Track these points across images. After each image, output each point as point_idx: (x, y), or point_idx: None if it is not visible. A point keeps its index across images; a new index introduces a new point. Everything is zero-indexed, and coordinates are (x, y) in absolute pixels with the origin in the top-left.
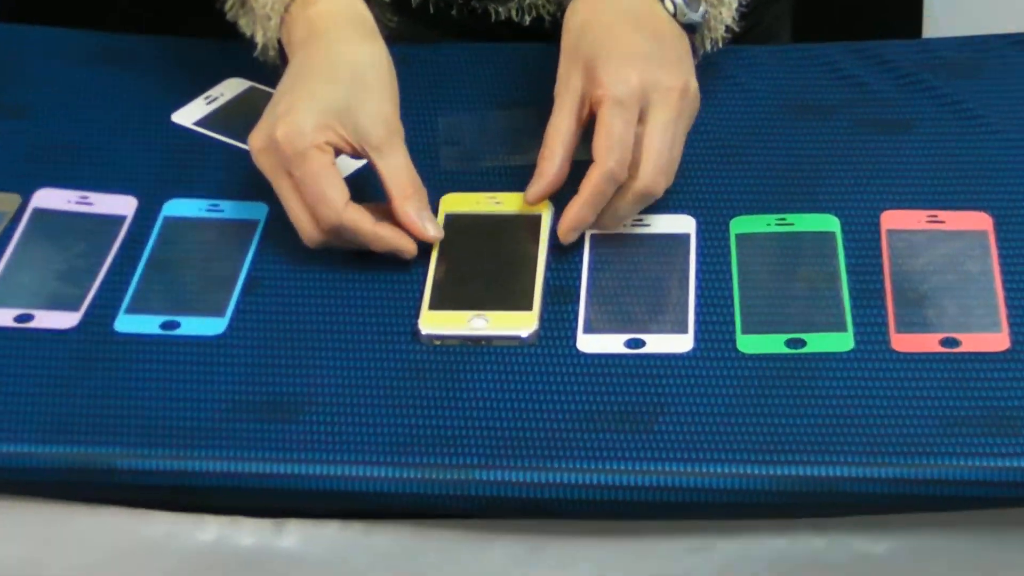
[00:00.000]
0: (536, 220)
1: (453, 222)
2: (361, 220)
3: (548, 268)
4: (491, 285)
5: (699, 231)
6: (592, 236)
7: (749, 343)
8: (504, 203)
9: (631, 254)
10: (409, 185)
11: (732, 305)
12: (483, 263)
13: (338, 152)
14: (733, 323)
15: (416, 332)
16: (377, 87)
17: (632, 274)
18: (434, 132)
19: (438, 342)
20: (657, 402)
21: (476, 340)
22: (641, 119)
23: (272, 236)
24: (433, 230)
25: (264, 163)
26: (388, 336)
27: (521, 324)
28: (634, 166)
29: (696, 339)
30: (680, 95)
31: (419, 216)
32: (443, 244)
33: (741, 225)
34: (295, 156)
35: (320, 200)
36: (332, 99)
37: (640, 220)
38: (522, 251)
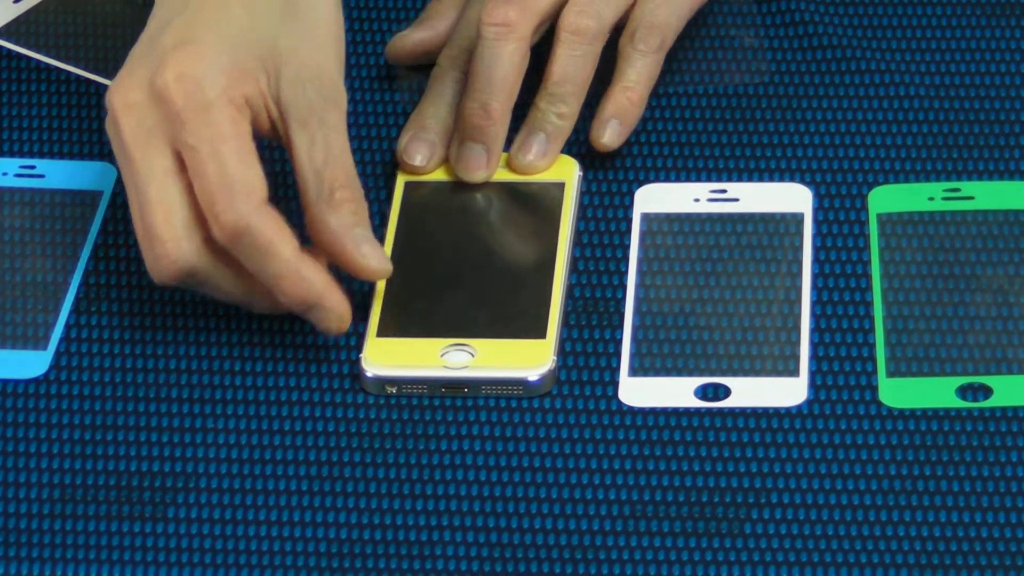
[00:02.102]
0: (554, 192)
1: (416, 196)
2: (279, 232)
3: (571, 271)
4: (478, 297)
5: (818, 209)
6: (644, 218)
7: (898, 391)
8: (500, 167)
9: (706, 247)
10: (343, 183)
11: (872, 330)
12: (465, 261)
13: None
14: (873, 360)
15: (358, 373)
16: (317, 25)
17: (708, 279)
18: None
19: (392, 389)
20: (750, 487)
21: (454, 386)
22: None
23: (124, 219)
24: (375, 260)
25: (131, 126)
26: (313, 380)
27: (528, 360)
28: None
29: (813, 385)
30: None
31: (349, 235)
32: (400, 232)
33: (886, 199)
34: (195, 113)
35: (228, 185)
36: (255, 30)
37: (722, 192)
38: (529, 243)
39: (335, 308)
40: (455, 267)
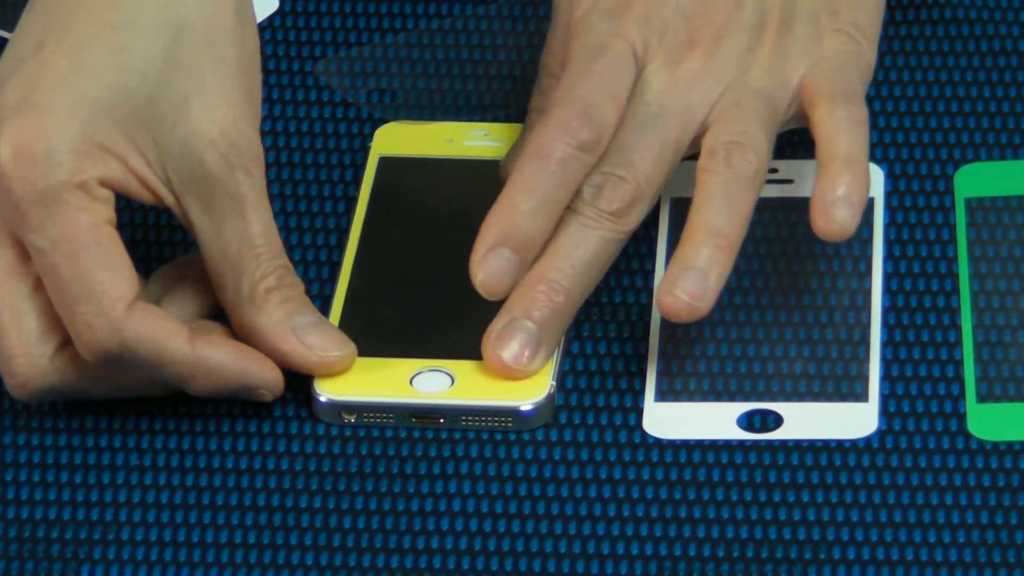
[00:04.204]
0: None
1: (392, 178)
2: (162, 331)
3: None
4: (459, 308)
5: (891, 193)
6: (674, 202)
7: (991, 420)
8: (503, 141)
9: (751, 240)
10: (266, 271)
11: (958, 344)
12: (446, 263)
13: (120, 196)
14: (959, 381)
15: (311, 398)
16: (218, 59)
17: (753, 280)
18: None
19: (350, 418)
20: (806, 539)
21: (427, 416)
22: None
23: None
24: (329, 347)
25: None
26: (259, 408)
27: (519, 386)
28: None
29: (885, 412)
30: None
31: (286, 332)
32: (369, 222)
33: (975, 181)
34: (35, 205)
35: (88, 296)
36: (125, 83)
37: (772, 172)
38: None
39: (262, 383)
40: (433, 270)
